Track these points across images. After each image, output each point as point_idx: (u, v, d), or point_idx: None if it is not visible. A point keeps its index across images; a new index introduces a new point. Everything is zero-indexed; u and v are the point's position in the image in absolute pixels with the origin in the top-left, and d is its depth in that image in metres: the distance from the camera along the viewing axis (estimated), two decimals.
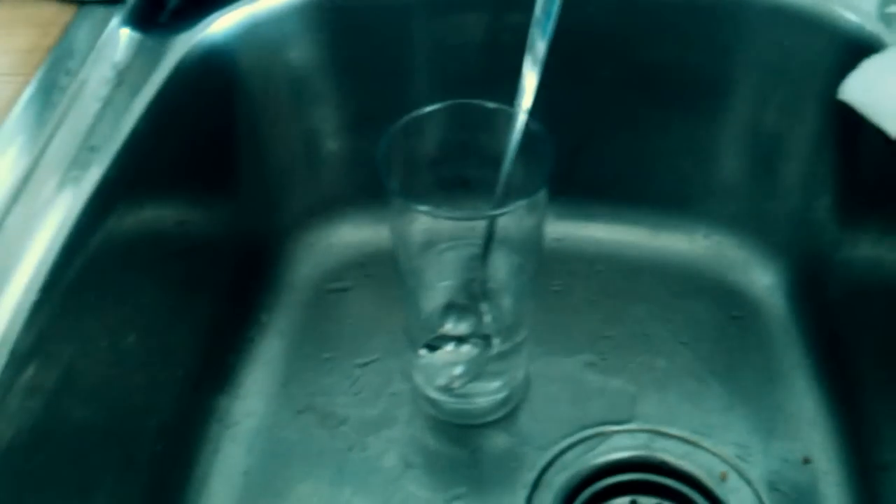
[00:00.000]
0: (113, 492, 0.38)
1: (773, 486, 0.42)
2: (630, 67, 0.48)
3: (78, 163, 0.37)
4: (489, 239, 0.37)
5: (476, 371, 0.41)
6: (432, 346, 0.41)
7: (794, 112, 0.46)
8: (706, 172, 0.51)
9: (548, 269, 0.48)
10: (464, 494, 0.42)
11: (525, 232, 0.38)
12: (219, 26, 0.45)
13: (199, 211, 0.46)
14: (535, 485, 0.42)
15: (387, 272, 0.42)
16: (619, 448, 0.43)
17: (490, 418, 0.45)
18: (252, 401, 0.46)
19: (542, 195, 0.36)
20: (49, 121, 0.39)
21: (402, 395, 0.46)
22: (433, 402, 0.45)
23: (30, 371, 0.32)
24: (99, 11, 0.45)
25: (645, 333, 0.48)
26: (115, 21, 0.44)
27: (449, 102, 0.38)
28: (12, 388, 0.31)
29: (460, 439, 0.44)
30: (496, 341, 0.40)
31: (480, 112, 0.38)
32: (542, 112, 0.37)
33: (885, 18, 0.42)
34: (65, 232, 0.35)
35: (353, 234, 0.53)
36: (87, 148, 0.38)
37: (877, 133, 0.38)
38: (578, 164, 0.50)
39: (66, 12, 0.45)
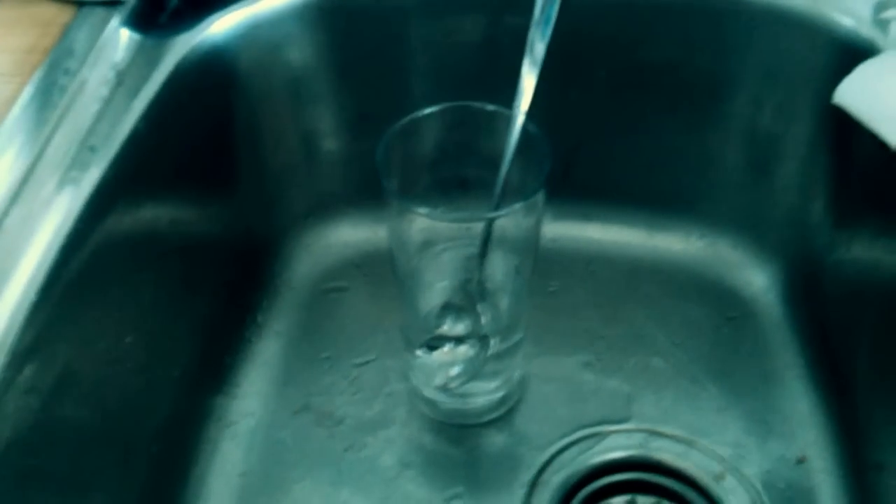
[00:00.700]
0: (111, 492, 0.38)
1: (768, 486, 0.42)
2: (626, 70, 0.48)
3: (77, 163, 0.37)
4: (487, 240, 0.38)
5: (473, 371, 0.41)
6: (430, 347, 0.41)
7: (790, 114, 0.47)
8: (702, 174, 0.51)
9: (544, 269, 0.48)
10: (461, 494, 0.42)
11: (522, 233, 0.38)
12: (218, 27, 0.45)
13: (198, 211, 0.46)
14: (533, 484, 0.42)
15: (384, 272, 0.42)
16: (615, 448, 0.43)
17: (487, 418, 0.45)
18: (250, 401, 0.46)
19: (539, 197, 0.36)
20: (48, 121, 0.39)
21: (400, 395, 0.46)
22: (430, 402, 0.45)
23: (28, 371, 0.32)
24: (98, 12, 0.45)
25: (641, 334, 0.48)
26: (114, 22, 0.44)
27: (448, 104, 0.38)
28: (11, 388, 0.31)
29: (458, 439, 0.44)
30: (493, 341, 0.41)
31: (479, 114, 0.38)
32: (538, 113, 0.37)
33: (880, 23, 0.42)
34: (64, 232, 0.35)
35: (351, 234, 0.53)
36: (86, 148, 0.38)
37: (871, 137, 0.38)
38: (575, 164, 0.51)
39: (66, 13, 0.45)
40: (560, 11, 0.36)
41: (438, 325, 0.41)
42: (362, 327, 0.49)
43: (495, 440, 0.44)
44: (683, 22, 0.46)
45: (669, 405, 0.45)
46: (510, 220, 0.37)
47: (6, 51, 0.43)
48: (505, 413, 0.45)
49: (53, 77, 0.41)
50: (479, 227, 0.38)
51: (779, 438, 0.44)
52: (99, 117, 0.39)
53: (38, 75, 0.41)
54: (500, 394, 0.44)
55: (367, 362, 0.48)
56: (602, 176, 0.52)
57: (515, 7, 0.41)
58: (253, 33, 0.46)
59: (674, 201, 0.52)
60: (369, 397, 0.46)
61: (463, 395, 0.44)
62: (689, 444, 0.43)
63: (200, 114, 0.45)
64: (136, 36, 0.44)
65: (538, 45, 0.36)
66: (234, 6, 0.46)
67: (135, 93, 0.41)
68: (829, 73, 0.42)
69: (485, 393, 0.44)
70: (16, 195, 0.36)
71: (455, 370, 0.41)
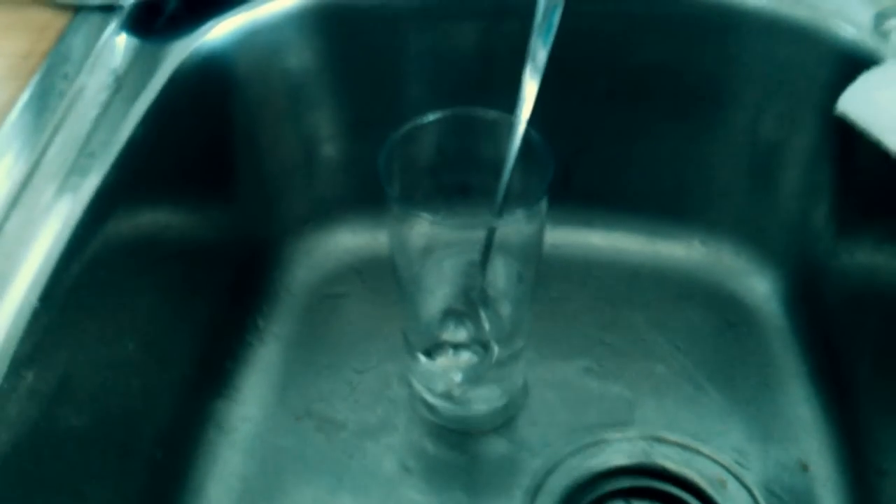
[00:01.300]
0: (110, 497, 0.38)
1: (771, 492, 0.42)
2: (629, 77, 0.48)
3: (76, 169, 0.37)
4: (488, 246, 0.37)
5: (475, 378, 0.41)
6: (431, 353, 0.41)
7: (792, 122, 0.47)
8: (704, 181, 0.51)
9: (546, 275, 0.48)
10: (462, 500, 0.42)
11: (524, 240, 0.38)
12: (216, 32, 0.45)
13: (197, 217, 0.46)
14: (535, 491, 0.42)
15: (385, 278, 0.42)
16: (617, 454, 0.43)
17: (489, 425, 0.45)
18: (250, 406, 0.46)
19: (542, 205, 0.36)
20: (47, 126, 0.39)
21: (401, 401, 0.46)
22: (432, 409, 0.45)
23: (28, 377, 0.32)
24: (95, 17, 0.44)
25: (643, 340, 0.48)
26: (112, 27, 0.44)
27: (450, 111, 0.38)
28: (11, 395, 0.31)
29: (459, 445, 0.44)
30: (495, 348, 0.40)
31: (481, 121, 0.38)
32: (539, 119, 0.37)
33: (882, 33, 0.42)
34: (63, 238, 0.34)
35: (351, 239, 0.53)
36: (85, 154, 0.38)
37: (874, 146, 0.38)
38: (576, 171, 0.51)
39: (62, 18, 0.45)
40: (561, 18, 0.36)
41: (440, 332, 0.41)
42: (363, 333, 0.49)
43: (496, 446, 0.44)
44: (686, 30, 0.46)
45: (671, 411, 0.45)
46: (512, 227, 0.37)
47: (1, 55, 0.43)
48: (507, 419, 0.45)
49: (51, 82, 0.41)
50: (480, 233, 0.37)
51: (781, 444, 0.44)
52: (97, 123, 0.39)
53: (35, 80, 0.41)
54: (502, 401, 0.44)
55: (368, 368, 0.48)
56: (604, 182, 0.52)
57: (514, 13, 0.41)
58: (251, 38, 0.46)
59: (676, 208, 0.52)
60: (370, 403, 0.46)
61: (464, 402, 0.44)
62: (691, 450, 0.43)
63: (199, 119, 0.45)
64: (134, 41, 0.44)
65: (540, 53, 0.36)
66: (233, 11, 0.45)
67: (133, 98, 0.41)
68: (831, 82, 0.42)
69: (487, 400, 0.44)
70: (15, 201, 0.36)
71: (457, 377, 0.41)
